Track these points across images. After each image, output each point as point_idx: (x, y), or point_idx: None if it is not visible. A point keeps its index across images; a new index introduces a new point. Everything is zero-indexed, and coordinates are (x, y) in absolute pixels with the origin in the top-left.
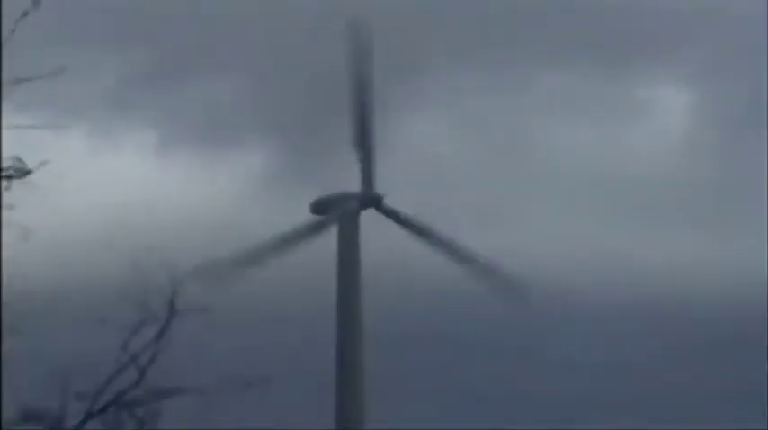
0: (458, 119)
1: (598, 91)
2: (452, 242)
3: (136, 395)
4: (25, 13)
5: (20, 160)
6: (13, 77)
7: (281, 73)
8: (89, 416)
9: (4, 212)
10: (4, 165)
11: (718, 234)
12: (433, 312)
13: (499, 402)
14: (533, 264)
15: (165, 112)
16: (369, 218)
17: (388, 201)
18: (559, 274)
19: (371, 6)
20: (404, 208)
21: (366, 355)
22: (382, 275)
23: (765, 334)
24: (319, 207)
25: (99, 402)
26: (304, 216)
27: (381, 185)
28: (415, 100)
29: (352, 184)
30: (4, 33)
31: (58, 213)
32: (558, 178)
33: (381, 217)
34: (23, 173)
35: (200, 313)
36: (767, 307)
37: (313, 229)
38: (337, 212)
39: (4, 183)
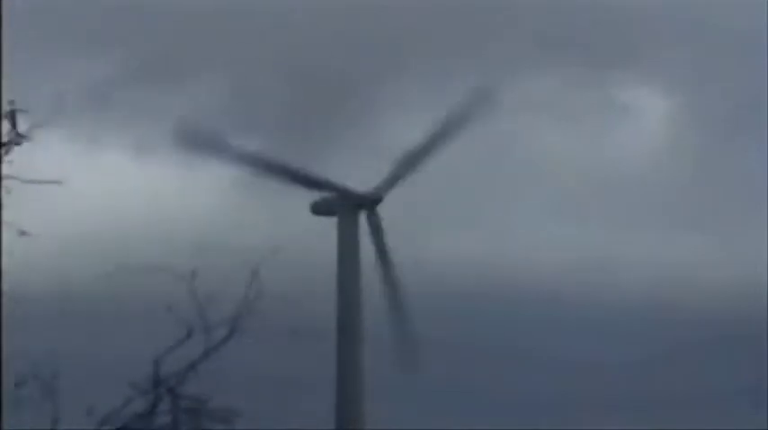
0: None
1: (580, 94)
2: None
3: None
4: None
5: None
6: None
7: (261, 74)
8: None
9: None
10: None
11: (702, 235)
12: (433, 312)
13: (498, 402)
14: (519, 267)
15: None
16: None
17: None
18: (546, 277)
19: (355, 5)
20: (389, 208)
21: (366, 356)
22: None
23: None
24: (320, 207)
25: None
26: (287, 216)
27: (368, 185)
28: (401, 101)
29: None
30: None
31: (47, 215)
32: (542, 180)
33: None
34: (20, 139)
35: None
36: (748, 308)
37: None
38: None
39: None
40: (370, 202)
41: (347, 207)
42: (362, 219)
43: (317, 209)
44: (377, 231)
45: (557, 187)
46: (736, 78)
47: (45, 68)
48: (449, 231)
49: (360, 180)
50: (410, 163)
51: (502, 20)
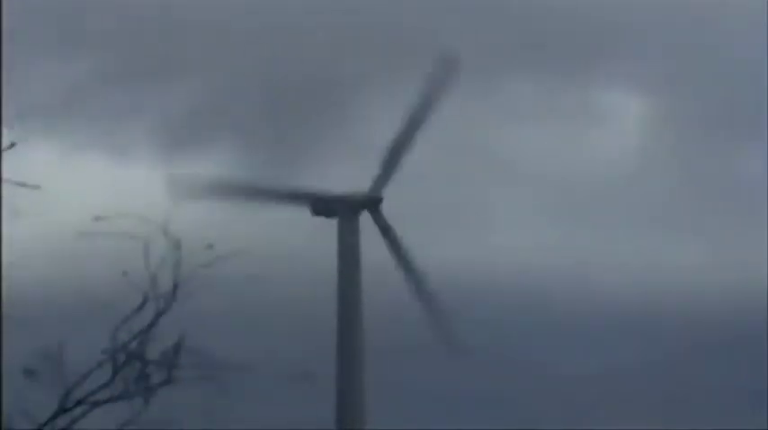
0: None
1: (555, 97)
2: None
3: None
4: None
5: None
6: None
7: (238, 78)
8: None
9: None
10: None
11: (684, 237)
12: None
13: (497, 403)
14: (500, 271)
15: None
16: (370, 218)
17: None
18: (528, 280)
19: (336, 11)
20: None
21: (366, 356)
22: (383, 275)
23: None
24: (320, 207)
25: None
26: (266, 220)
27: (349, 185)
28: (383, 104)
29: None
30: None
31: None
32: (519, 184)
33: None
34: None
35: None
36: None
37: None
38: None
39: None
40: (372, 203)
41: (347, 208)
42: (363, 220)
43: (318, 209)
44: (387, 230)
45: (534, 190)
46: (712, 79)
47: (18, 70)
48: (428, 235)
49: (338, 182)
50: (395, 156)
51: (478, 23)
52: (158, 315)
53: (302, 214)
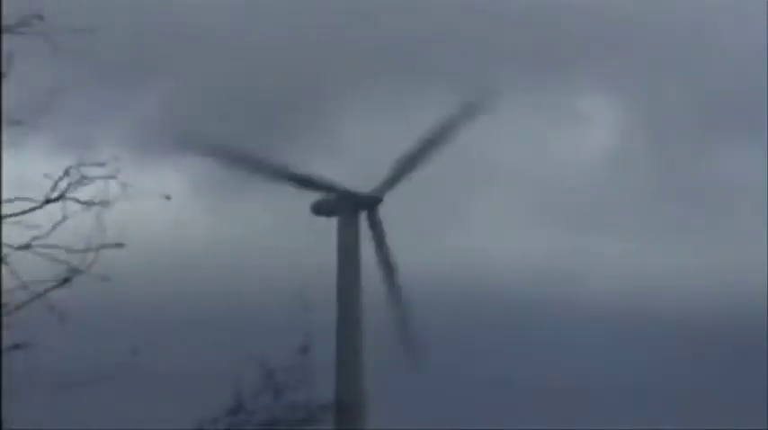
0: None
1: (532, 100)
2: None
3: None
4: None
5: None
6: None
7: (218, 81)
8: None
9: None
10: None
11: (661, 240)
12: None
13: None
14: (479, 274)
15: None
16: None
17: None
18: (508, 283)
19: (313, 18)
20: None
21: (366, 355)
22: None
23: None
24: (320, 208)
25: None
26: (244, 224)
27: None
28: (365, 110)
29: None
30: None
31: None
32: (496, 187)
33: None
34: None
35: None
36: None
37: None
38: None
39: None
40: (370, 203)
41: (347, 207)
42: (362, 219)
43: (318, 209)
44: (377, 231)
45: (510, 194)
46: (688, 82)
47: None
48: (409, 240)
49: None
50: (407, 166)
51: (451, 33)
52: None
53: (302, 214)
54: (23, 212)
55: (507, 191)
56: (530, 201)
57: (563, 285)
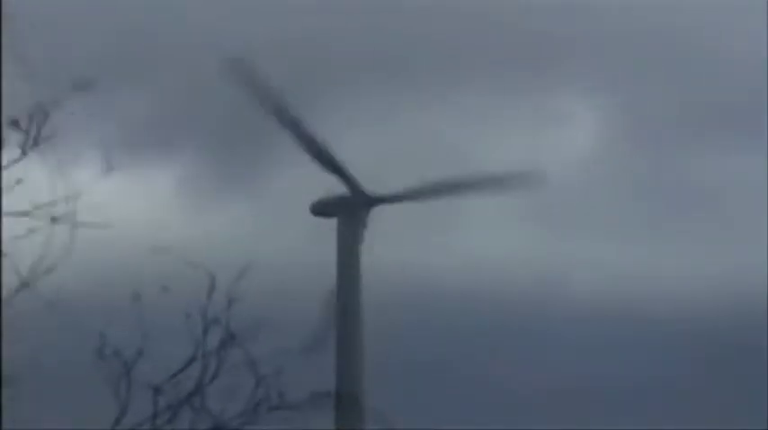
0: (389, 137)
1: (512, 102)
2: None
3: None
4: None
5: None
6: None
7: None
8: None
9: None
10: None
11: (641, 244)
12: (432, 313)
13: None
14: (463, 277)
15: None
16: (370, 218)
17: None
18: (492, 286)
19: (288, 26)
20: None
21: (366, 355)
22: (382, 275)
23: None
24: (321, 208)
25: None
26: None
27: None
28: (346, 119)
29: (278, 196)
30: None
31: None
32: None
33: (382, 217)
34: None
35: None
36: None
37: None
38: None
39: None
40: (371, 203)
41: (347, 207)
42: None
43: (318, 209)
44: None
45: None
46: (670, 83)
47: None
48: (396, 241)
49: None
50: (418, 194)
51: (432, 32)
52: None
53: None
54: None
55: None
56: (517, 202)
57: (550, 286)
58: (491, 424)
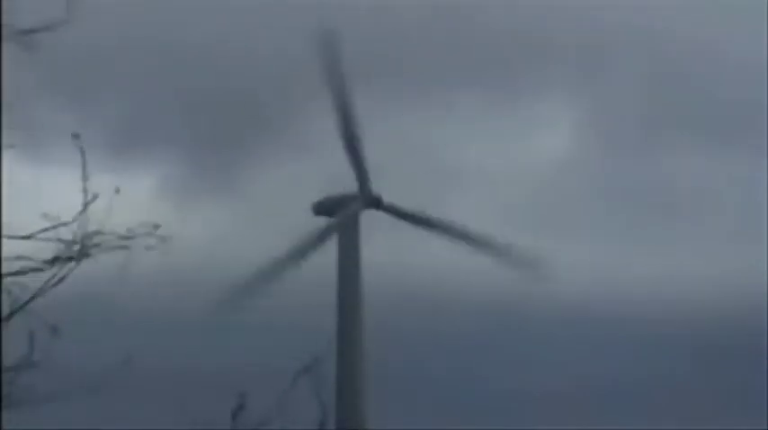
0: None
1: (493, 105)
2: (460, 227)
3: None
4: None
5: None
6: None
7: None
8: None
9: None
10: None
11: (622, 244)
12: (433, 312)
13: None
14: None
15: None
16: (369, 218)
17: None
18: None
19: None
20: None
21: (366, 356)
22: (382, 276)
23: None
24: (321, 208)
25: None
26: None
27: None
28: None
29: (263, 197)
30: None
31: None
32: (463, 191)
33: (382, 217)
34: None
35: None
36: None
37: (320, 237)
38: (341, 216)
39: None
40: (371, 203)
41: (347, 207)
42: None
43: (318, 209)
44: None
45: (484, 195)
46: (644, 85)
47: None
48: (383, 241)
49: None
50: (423, 222)
51: (418, 38)
52: None
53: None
54: None
55: (472, 195)
56: (495, 205)
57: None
58: (488, 424)
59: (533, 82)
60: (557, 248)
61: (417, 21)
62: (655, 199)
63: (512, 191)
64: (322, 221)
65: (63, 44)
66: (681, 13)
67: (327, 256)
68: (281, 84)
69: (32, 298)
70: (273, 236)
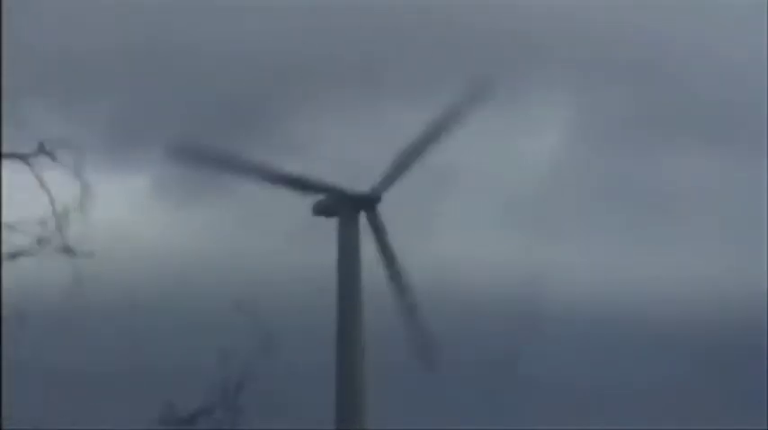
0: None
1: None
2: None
3: None
4: None
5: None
6: None
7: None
8: None
9: None
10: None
11: (613, 244)
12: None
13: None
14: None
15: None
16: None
17: None
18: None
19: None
20: None
21: (366, 356)
22: (382, 276)
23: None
24: (321, 208)
25: None
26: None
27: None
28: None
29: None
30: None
31: None
32: (454, 193)
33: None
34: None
35: None
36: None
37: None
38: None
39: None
40: (369, 202)
41: (347, 207)
42: (363, 218)
43: (318, 209)
44: (378, 231)
45: (468, 200)
46: (643, 85)
47: None
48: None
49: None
50: (406, 161)
51: (404, 39)
52: None
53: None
54: None
55: (469, 198)
56: (494, 205)
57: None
58: (488, 424)
59: (533, 82)
60: (556, 248)
61: (414, 20)
62: (654, 199)
63: (511, 191)
64: (322, 221)
65: (59, 45)
66: (680, 14)
67: (327, 256)
68: (274, 84)
69: None
70: (267, 236)
